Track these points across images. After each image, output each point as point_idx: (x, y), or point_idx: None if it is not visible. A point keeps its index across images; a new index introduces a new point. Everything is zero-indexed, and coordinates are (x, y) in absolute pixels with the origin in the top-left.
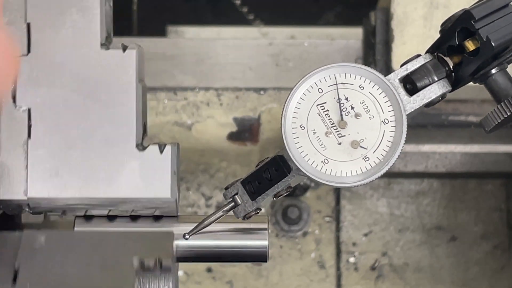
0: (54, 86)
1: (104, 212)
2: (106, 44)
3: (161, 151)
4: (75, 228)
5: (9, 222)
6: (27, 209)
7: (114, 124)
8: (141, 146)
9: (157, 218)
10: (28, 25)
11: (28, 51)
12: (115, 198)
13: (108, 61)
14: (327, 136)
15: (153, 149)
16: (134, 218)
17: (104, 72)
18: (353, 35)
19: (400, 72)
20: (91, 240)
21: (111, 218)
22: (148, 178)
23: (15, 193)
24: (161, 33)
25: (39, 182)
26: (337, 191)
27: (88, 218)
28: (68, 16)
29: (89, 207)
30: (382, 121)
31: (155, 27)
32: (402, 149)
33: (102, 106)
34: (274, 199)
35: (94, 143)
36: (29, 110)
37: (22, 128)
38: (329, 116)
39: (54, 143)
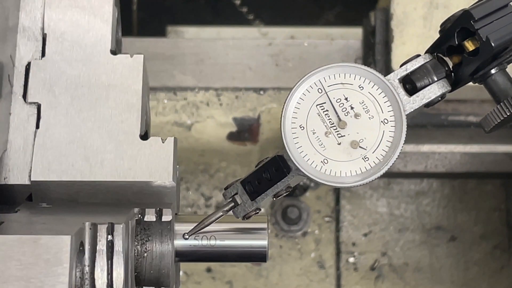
0: (65, 88)
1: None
2: (115, 51)
3: (163, 142)
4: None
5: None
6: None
7: (120, 118)
8: (145, 137)
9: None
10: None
11: (43, 55)
12: (120, 182)
13: (117, 65)
14: (327, 136)
15: (156, 139)
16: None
17: (113, 75)
18: (353, 35)
19: (399, 72)
20: None
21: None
22: (151, 164)
23: (19, 178)
24: (161, 33)
25: (43, 166)
26: (337, 191)
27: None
28: (81, 23)
29: (93, 191)
30: (381, 121)
31: (155, 27)
32: (401, 149)
33: (111, 104)
34: (274, 199)
35: (101, 134)
36: (39, 106)
37: (31, 120)
38: (328, 116)
39: (61, 135)
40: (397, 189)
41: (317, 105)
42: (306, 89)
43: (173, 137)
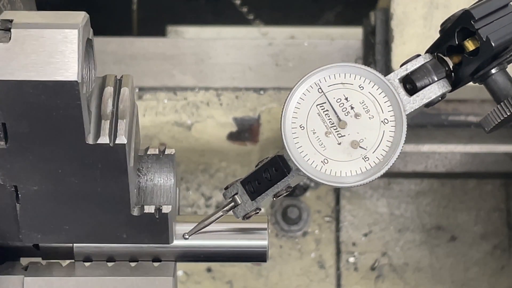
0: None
1: None
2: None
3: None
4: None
5: (10, 267)
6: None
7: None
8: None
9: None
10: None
11: (8, 143)
12: None
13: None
14: (327, 136)
15: None
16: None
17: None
18: (353, 35)
19: (400, 72)
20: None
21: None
22: None
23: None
24: (161, 33)
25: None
26: (337, 191)
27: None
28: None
29: None
30: (381, 121)
31: (155, 27)
32: (402, 149)
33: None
34: (274, 199)
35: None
36: (15, 186)
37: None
38: (328, 116)
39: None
40: (397, 189)
41: (317, 105)
42: (306, 89)
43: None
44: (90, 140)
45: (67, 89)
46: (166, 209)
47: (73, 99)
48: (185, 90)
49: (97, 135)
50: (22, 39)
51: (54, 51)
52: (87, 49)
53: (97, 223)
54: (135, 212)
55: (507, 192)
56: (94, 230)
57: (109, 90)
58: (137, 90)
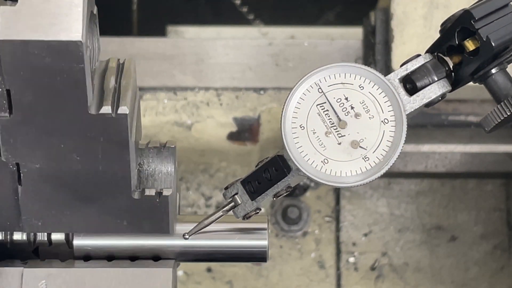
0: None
1: None
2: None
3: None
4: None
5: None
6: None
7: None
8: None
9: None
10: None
11: (12, 113)
12: None
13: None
14: (327, 136)
15: None
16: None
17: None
18: (353, 35)
19: (400, 72)
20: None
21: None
22: None
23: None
24: (161, 33)
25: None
26: (337, 191)
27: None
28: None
29: None
30: (382, 121)
31: (155, 27)
32: (402, 149)
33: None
34: (274, 199)
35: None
36: (17, 164)
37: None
38: (329, 116)
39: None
40: (397, 189)
41: (317, 105)
42: (306, 89)
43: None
44: (92, 110)
45: (72, 50)
46: (166, 191)
47: (77, 61)
48: (185, 90)
49: (100, 105)
50: (29, 2)
51: (60, 13)
52: (91, 25)
53: (97, 208)
54: (136, 195)
55: (507, 192)
56: (95, 218)
57: (112, 65)
58: None
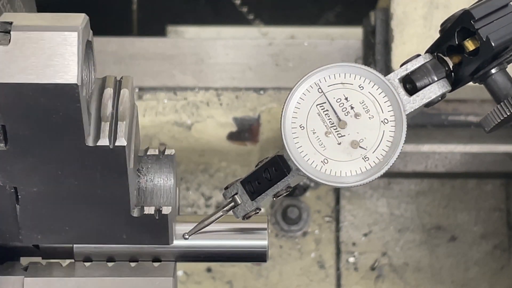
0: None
1: None
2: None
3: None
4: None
5: (10, 267)
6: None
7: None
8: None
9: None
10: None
11: (8, 145)
12: None
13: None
14: (327, 136)
15: None
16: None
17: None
18: (353, 35)
19: (399, 72)
20: None
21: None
22: None
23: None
24: (161, 33)
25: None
26: (337, 191)
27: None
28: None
29: None
30: (381, 121)
31: (155, 27)
32: (402, 149)
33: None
34: (274, 199)
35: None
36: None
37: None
38: (328, 116)
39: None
40: (397, 189)
41: (317, 105)
42: (306, 89)
43: None
44: (90, 142)
45: (67, 91)
46: (166, 210)
47: (73, 102)
48: (185, 90)
49: (97, 137)
50: (22, 42)
51: (53, 53)
52: (87, 51)
53: (97, 224)
54: (135, 213)
55: (507, 192)
56: (94, 231)
57: (108, 91)
58: (137, 90)
